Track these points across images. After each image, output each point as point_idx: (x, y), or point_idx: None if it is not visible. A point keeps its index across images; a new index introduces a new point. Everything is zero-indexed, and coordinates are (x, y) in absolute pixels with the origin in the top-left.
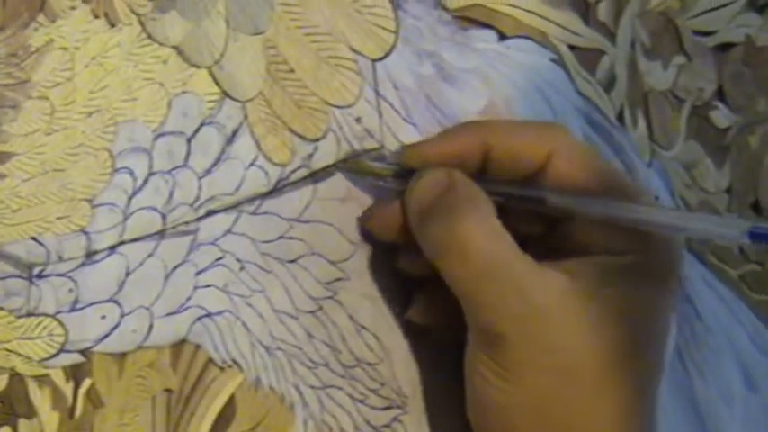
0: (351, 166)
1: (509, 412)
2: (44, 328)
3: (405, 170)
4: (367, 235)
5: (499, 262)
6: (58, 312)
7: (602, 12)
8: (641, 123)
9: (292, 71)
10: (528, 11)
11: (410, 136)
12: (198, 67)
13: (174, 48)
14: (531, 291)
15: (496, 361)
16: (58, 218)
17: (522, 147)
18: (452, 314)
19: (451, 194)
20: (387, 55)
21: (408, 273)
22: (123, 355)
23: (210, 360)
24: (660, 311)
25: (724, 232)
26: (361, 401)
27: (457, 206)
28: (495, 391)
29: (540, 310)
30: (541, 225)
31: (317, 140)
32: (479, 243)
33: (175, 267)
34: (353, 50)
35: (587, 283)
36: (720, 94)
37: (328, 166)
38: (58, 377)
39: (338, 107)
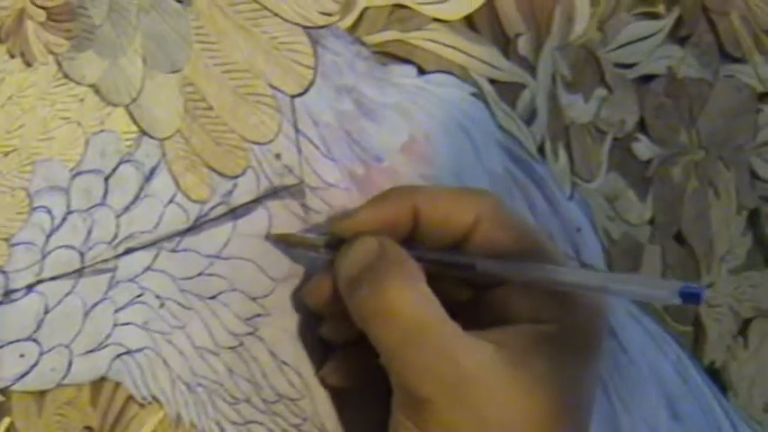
0: (282, 238)
1: None
2: None
3: (335, 240)
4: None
5: (428, 327)
6: None
7: (522, 45)
8: (562, 156)
9: (210, 108)
10: (447, 45)
11: (330, 171)
12: (115, 105)
13: (91, 86)
14: (459, 356)
15: (421, 427)
16: None
17: (450, 212)
18: (367, 378)
19: (381, 261)
20: (305, 91)
21: (330, 340)
22: (42, 393)
23: (131, 397)
24: (585, 378)
25: (655, 294)
26: None
27: (386, 271)
28: None
29: (469, 375)
30: (470, 291)
31: (237, 177)
32: (408, 308)
33: (94, 305)
34: (272, 87)
35: (513, 353)
36: (642, 125)
37: (247, 203)
38: None
39: (257, 143)
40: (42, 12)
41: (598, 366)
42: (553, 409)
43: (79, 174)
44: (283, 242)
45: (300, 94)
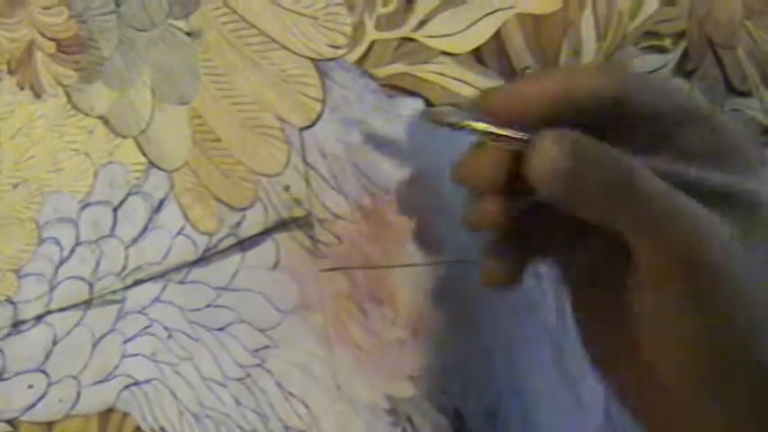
0: (428, 116)
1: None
2: None
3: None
4: (295, 303)
5: (682, 200)
6: None
7: None
8: None
9: (219, 140)
10: (455, 78)
11: (338, 203)
12: (124, 136)
13: (100, 118)
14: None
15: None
16: None
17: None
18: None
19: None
20: (314, 123)
21: (475, 225)
22: (50, 424)
23: (138, 428)
24: None
25: None
26: None
27: (614, 156)
28: (701, 326)
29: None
30: None
31: (245, 209)
32: (657, 184)
33: (103, 336)
34: (280, 119)
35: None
36: None
37: (255, 235)
38: None
39: (266, 176)
40: (52, 44)
41: None
42: None
43: (88, 205)
44: (430, 120)
45: (309, 127)
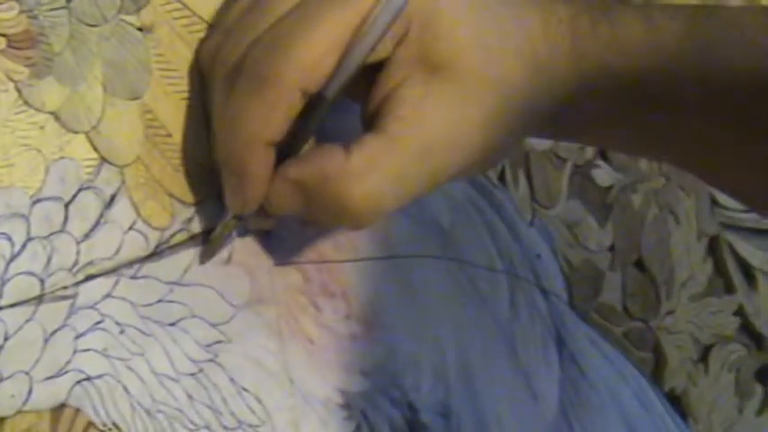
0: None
1: None
2: None
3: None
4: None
5: None
6: None
7: None
8: (522, 183)
9: (170, 135)
10: None
11: None
12: (75, 132)
13: (52, 113)
14: None
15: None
16: None
17: None
18: None
19: None
20: None
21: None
22: (2, 420)
23: (91, 423)
24: None
25: None
26: None
27: None
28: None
29: None
30: None
31: (197, 204)
32: None
33: (54, 332)
34: None
35: None
36: (603, 152)
37: (208, 230)
38: None
39: (218, 170)
40: (2, 39)
41: None
42: None
43: (39, 201)
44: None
45: None
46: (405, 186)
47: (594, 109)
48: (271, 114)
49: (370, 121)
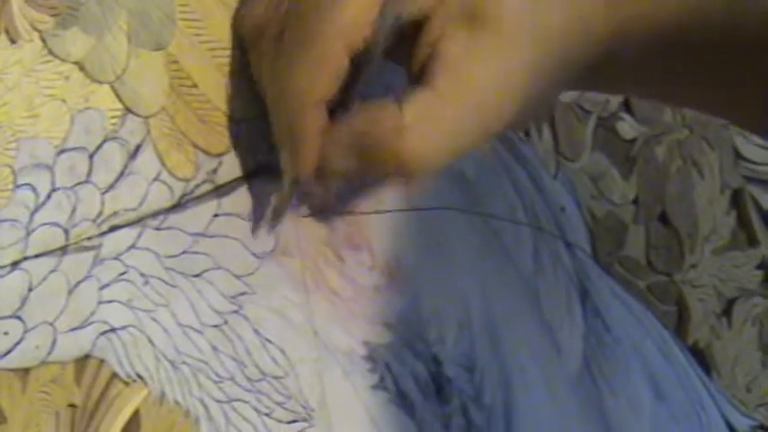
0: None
1: None
2: None
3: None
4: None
5: None
6: None
7: None
8: (547, 135)
9: (195, 86)
10: None
11: None
12: (100, 83)
13: (76, 64)
14: None
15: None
16: None
17: None
18: None
19: None
20: None
21: None
22: (26, 371)
23: (115, 375)
24: None
25: None
26: (267, 415)
27: None
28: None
29: None
30: None
31: (222, 155)
32: None
33: (78, 283)
34: None
35: None
36: (626, 105)
37: (232, 181)
38: None
39: (244, 121)
40: None
41: None
42: None
43: (64, 151)
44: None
45: None
46: (459, 139)
47: (630, 57)
48: (319, 72)
49: (417, 78)
